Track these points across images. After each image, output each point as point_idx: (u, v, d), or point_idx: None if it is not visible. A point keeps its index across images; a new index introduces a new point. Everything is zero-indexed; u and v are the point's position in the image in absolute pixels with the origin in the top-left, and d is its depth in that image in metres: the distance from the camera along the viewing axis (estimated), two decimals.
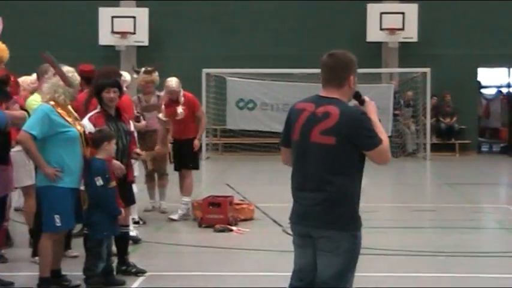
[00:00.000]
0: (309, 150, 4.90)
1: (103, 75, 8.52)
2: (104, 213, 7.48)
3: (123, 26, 22.84)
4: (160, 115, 11.48)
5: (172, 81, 11.51)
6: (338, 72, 4.93)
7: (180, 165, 11.60)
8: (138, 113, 11.47)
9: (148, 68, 12.00)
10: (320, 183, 4.86)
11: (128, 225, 8.35)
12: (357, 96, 5.03)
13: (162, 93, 11.92)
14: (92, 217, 7.51)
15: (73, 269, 7.94)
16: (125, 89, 11.23)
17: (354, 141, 4.81)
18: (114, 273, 7.84)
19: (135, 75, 12.11)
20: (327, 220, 4.85)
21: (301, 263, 5.05)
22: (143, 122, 11.15)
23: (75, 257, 8.62)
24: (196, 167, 11.78)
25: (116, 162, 7.75)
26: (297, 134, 4.95)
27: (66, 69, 7.60)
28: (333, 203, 4.84)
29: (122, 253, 8.18)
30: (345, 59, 4.97)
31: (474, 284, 7.90)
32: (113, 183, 7.53)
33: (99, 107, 8.06)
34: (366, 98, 5.07)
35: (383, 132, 4.94)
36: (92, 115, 7.96)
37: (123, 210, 7.69)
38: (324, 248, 4.89)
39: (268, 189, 15.29)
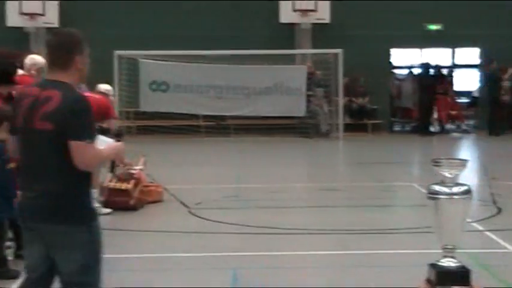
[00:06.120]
0: (31, 138, 4.49)
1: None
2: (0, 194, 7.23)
3: (31, 6, 22.35)
4: None
5: None
6: (62, 53, 4.53)
7: None
8: None
9: None
10: (40, 174, 4.47)
11: None
12: (119, 134, 4.60)
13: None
14: None
15: None
16: (33, 72, 10.94)
17: (66, 128, 4.37)
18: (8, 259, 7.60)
19: None
20: (53, 214, 4.45)
21: (28, 259, 4.67)
22: None
23: None
24: None
25: None
26: (20, 121, 4.55)
27: None
28: (55, 196, 4.44)
29: (20, 237, 7.97)
30: (69, 38, 4.58)
31: (378, 260, 8.01)
32: (11, 165, 7.31)
33: None
34: (120, 142, 4.74)
35: (104, 152, 4.66)
36: None
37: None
38: (57, 244, 4.49)
39: (179, 171, 15.21)
